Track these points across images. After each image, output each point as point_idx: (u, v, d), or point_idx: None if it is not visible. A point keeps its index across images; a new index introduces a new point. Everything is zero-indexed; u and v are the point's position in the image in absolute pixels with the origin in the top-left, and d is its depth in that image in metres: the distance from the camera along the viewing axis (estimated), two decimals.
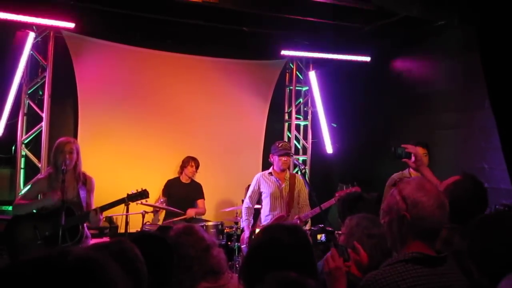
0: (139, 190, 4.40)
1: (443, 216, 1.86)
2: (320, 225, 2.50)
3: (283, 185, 5.11)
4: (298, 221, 4.83)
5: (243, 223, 5.25)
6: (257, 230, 5.02)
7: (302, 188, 5.21)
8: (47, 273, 0.78)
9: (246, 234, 5.13)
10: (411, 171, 4.94)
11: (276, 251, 1.82)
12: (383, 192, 4.78)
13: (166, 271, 2.22)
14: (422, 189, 1.85)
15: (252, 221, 5.25)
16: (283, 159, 5.04)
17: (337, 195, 4.78)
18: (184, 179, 6.23)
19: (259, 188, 5.19)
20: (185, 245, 2.26)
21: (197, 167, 6.22)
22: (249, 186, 6.84)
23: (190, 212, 5.87)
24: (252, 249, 1.95)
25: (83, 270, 0.81)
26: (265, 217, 5.16)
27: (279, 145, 5.12)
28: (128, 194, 4.35)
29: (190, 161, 6.19)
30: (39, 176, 4.47)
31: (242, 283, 1.86)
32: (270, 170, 5.22)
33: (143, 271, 1.68)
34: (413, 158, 2.98)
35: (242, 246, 5.26)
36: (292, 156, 5.15)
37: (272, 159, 5.18)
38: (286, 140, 7.23)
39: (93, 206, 4.18)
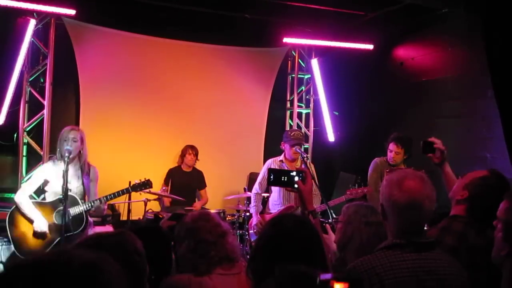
0: (143, 180, 4.40)
1: (415, 216, 1.82)
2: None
3: None
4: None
5: (252, 209, 5.19)
6: (266, 217, 5.02)
7: (313, 177, 5.11)
8: (50, 279, 0.78)
9: (254, 220, 5.07)
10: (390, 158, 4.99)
11: (285, 243, 1.81)
12: None
13: (166, 263, 2.24)
14: (399, 185, 1.82)
15: (261, 207, 5.22)
16: (293, 149, 4.87)
17: (348, 193, 4.74)
18: (185, 168, 6.24)
19: None
20: (203, 230, 2.27)
21: (196, 155, 6.21)
22: (251, 174, 6.89)
23: (197, 206, 5.92)
24: (260, 240, 1.94)
25: (85, 277, 0.81)
26: (274, 205, 5.11)
27: (292, 134, 4.96)
28: (131, 184, 4.36)
29: (188, 149, 6.20)
30: (44, 164, 4.46)
31: (250, 274, 1.86)
32: (281, 157, 5.08)
33: (142, 264, 1.69)
34: (437, 154, 2.85)
35: (250, 232, 5.23)
36: (303, 145, 4.99)
37: (283, 147, 5.05)
38: (289, 128, 7.22)
39: (97, 195, 4.20)
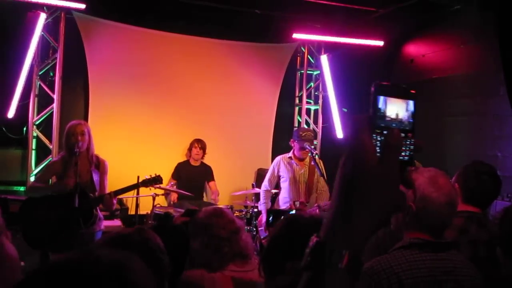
0: (153, 175, 4.38)
1: (450, 213, 1.85)
2: None
3: (303, 171, 5.01)
4: (318, 209, 4.72)
5: (261, 206, 5.15)
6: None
7: (322, 174, 5.09)
8: (78, 281, 0.77)
9: (264, 218, 5.04)
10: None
11: (298, 242, 1.79)
12: None
13: (181, 260, 2.23)
14: (434, 183, 1.82)
15: (270, 204, 5.19)
16: (303, 150, 4.85)
17: None
18: (194, 162, 6.24)
19: (278, 171, 5.06)
20: (216, 227, 2.27)
21: (201, 148, 6.20)
22: (259, 170, 6.88)
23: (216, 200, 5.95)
24: (273, 240, 1.93)
25: (114, 277, 0.79)
26: (284, 202, 5.08)
27: (303, 134, 4.91)
28: (139, 179, 4.34)
29: (194, 143, 6.22)
30: (53, 159, 4.48)
31: (263, 273, 1.85)
32: (290, 154, 5.05)
33: (166, 262, 1.68)
34: None
35: (259, 229, 5.20)
36: (313, 145, 4.95)
37: (292, 144, 5.02)
38: (296, 125, 7.20)
39: (107, 189, 4.19)
